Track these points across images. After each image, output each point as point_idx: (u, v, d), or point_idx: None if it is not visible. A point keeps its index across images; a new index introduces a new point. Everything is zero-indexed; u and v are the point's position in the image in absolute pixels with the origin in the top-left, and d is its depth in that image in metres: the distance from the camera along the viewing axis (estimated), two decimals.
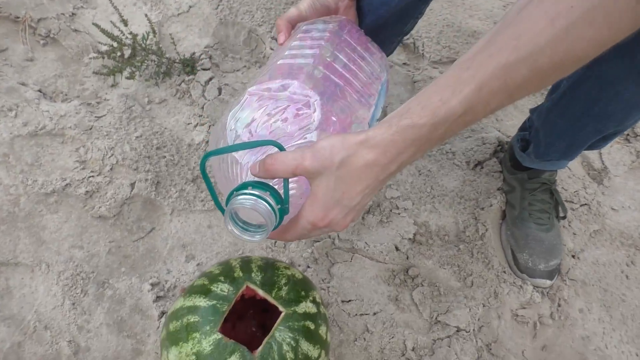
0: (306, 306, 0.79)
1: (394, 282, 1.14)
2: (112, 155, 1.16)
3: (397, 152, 0.58)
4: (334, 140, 0.60)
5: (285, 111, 0.69)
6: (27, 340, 0.98)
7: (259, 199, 0.60)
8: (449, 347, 1.05)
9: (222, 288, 0.77)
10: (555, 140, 1.03)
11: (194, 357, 0.72)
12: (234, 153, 0.67)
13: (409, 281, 1.15)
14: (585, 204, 1.35)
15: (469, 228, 1.22)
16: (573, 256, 1.24)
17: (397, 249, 1.17)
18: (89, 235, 1.09)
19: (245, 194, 0.60)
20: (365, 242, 1.17)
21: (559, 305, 1.16)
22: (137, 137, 1.20)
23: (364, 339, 1.05)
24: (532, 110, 1.12)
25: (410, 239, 1.19)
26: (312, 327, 0.77)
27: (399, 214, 1.24)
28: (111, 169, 1.15)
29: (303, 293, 0.80)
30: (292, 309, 0.77)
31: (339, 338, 1.05)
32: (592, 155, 1.45)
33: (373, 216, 1.22)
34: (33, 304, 1.02)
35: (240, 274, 0.79)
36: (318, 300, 0.83)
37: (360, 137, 0.59)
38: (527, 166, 1.17)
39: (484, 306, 1.12)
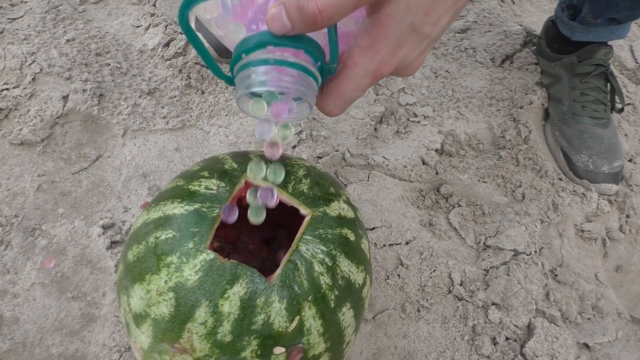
0: (340, 207, 0.51)
1: (424, 204, 0.89)
2: (34, 62, 0.84)
3: None
4: None
5: None
6: None
7: (289, 68, 0.36)
8: (508, 275, 0.80)
9: (209, 185, 0.48)
10: None
11: (172, 294, 0.44)
12: None
13: (442, 202, 0.90)
14: (630, 104, 1.13)
15: (508, 131, 0.97)
16: (630, 160, 1.01)
17: (423, 162, 0.91)
18: (8, 168, 0.78)
19: (265, 61, 0.35)
20: (383, 157, 0.90)
21: (628, 217, 0.92)
22: (67, 40, 0.89)
23: (398, 275, 0.79)
24: None
25: (437, 150, 0.93)
26: (352, 237, 0.50)
27: (418, 122, 0.97)
28: (33, 79, 0.83)
29: (332, 190, 0.53)
30: (321, 209, 0.49)
31: None
32: (622, 54, 1.24)
33: (387, 126, 0.95)
34: None
35: (235, 165, 0.51)
36: (353, 202, 0.55)
37: None
38: (579, 41, 0.93)
39: (542, 222, 0.87)
